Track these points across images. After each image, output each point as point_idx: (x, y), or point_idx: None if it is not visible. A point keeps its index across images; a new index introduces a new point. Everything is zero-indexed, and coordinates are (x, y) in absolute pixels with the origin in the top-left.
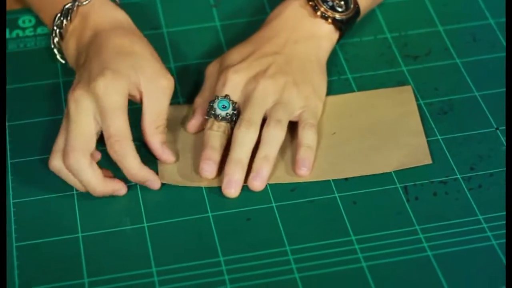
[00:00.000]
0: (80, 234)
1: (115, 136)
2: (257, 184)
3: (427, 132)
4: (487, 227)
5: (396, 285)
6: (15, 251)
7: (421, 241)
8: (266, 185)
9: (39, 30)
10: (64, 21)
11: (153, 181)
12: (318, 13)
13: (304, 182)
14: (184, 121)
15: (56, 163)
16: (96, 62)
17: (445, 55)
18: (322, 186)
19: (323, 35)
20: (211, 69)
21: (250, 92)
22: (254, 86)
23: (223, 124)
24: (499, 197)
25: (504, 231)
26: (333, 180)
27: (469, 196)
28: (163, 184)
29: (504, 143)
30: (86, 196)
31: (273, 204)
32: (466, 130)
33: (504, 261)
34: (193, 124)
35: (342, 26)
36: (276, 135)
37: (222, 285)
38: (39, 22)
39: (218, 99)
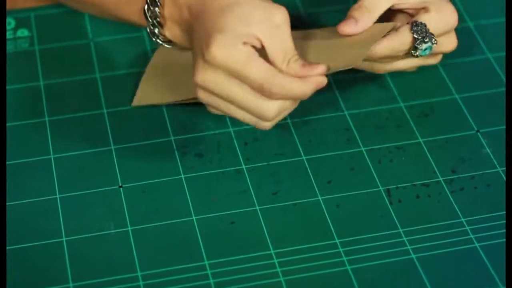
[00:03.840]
0: (64, 239)
1: (262, 81)
2: None
3: (409, 135)
4: (469, 230)
5: None
6: None
7: (404, 244)
8: (250, 188)
9: (19, 33)
10: (156, 9)
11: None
12: None
13: (286, 185)
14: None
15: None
16: (202, 30)
17: None
18: (305, 189)
19: None
20: None
21: None
22: None
23: None
24: (480, 199)
25: (487, 233)
26: (316, 183)
27: (451, 198)
28: (147, 186)
29: (485, 145)
30: (70, 199)
31: (257, 208)
32: (447, 133)
33: (488, 263)
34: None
35: None
36: None
37: None
38: (19, 25)
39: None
